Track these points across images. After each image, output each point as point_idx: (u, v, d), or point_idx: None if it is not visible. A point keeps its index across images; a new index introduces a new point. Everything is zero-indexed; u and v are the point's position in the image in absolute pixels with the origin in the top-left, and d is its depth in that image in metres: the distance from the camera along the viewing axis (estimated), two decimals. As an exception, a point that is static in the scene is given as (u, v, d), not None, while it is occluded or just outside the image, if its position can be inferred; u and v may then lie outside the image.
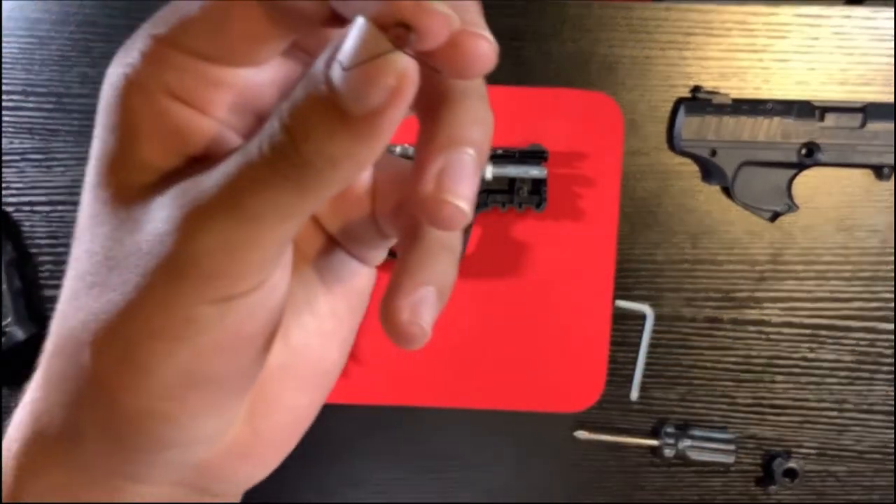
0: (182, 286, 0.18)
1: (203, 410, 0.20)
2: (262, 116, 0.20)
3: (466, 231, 0.62)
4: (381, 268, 0.25)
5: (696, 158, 0.64)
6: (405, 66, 0.15)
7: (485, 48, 0.17)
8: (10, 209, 0.64)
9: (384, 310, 0.19)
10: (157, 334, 0.18)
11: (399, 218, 0.21)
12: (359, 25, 0.15)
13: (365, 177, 0.22)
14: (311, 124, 0.16)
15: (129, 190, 0.19)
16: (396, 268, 0.20)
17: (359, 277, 0.24)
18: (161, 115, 0.19)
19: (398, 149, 0.59)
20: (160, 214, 0.18)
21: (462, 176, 0.17)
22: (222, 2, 0.18)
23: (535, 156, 0.61)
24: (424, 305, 0.19)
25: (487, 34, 0.17)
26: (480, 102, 0.19)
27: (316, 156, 0.16)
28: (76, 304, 0.20)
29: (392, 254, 0.23)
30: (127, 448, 0.20)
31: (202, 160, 0.19)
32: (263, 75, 0.20)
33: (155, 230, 0.18)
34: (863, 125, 0.62)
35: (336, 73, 0.15)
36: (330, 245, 0.23)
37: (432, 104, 0.18)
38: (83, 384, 0.19)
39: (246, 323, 0.19)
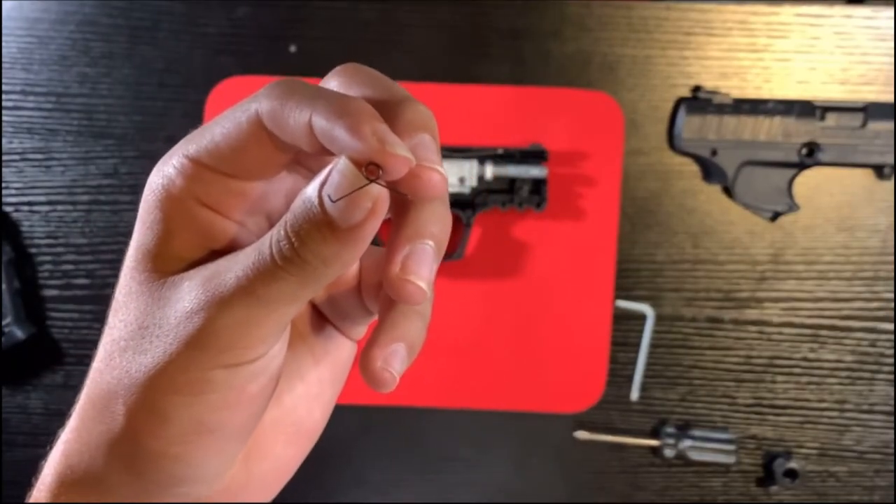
0: (202, 354, 0.23)
1: (210, 453, 0.25)
2: (272, 217, 0.26)
3: (466, 231, 0.62)
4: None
5: (697, 158, 0.63)
6: (378, 193, 0.21)
7: (436, 178, 0.22)
8: (9, 209, 0.64)
9: (362, 359, 0.24)
10: (178, 390, 0.23)
11: (380, 292, 0.27)
12: (341, 164, 0.21)
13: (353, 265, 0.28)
14: (307, 235, 0.21)
15: (161, 274, 0.24)
16: (376, 326, 0.25)
17: (342, 350, 0.29)
18: (191, 218, 0.24)
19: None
20: (189, 296, 0.23)
21: (422, 262, 0.23)
22: (239, 132, 0.23)
23: (535, 156, 0.61)
24: (395, 357, 0.24)
25: (440, 168, 0.22)
26: (441, 205, 0.24)
27: (312, 257, 0.22)
28: (111, 363, 0.24)
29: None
30: (145, 482, 0.25)
31: (222, 252, 0.25)
32: (273, 185, 0.25)
33: (183, 308, 0.23)
34: (864, 125, 0.62)
35: (327, 200, 0.21)
36: (320, 322, 0.29)
37: (404, 206, 0.23)
38: (113, 428, 0.24)
39: (250, 384, 0.24)
